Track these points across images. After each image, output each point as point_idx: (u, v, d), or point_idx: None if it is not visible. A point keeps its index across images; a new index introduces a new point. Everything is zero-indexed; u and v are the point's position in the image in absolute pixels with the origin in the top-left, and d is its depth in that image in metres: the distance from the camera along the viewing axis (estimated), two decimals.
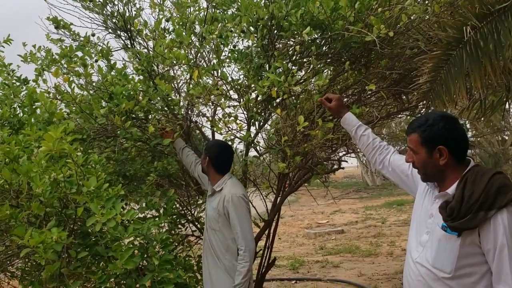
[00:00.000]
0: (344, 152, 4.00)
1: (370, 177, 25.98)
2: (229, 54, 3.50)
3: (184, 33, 3.31)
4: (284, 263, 8.14)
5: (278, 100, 3.34)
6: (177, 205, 3.91)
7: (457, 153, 1.89)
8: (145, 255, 2.76)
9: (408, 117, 4.51)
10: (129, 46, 3.88)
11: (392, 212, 14.57)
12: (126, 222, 2.51)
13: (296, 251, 9.48)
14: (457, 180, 1.86)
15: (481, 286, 1.78)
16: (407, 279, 2.01)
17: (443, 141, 1.88)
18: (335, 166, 4.13)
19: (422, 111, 3.81)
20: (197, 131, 4.13)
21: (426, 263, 1.89)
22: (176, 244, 3.74)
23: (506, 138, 18.85)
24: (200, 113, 3.76)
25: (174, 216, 3.75)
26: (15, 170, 2.34)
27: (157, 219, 2.97)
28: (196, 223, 4.01)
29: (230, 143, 3.33)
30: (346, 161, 4.12)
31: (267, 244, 4.21)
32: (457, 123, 1.92)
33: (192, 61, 3.40)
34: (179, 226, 3.85)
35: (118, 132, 3.24)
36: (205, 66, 3.52)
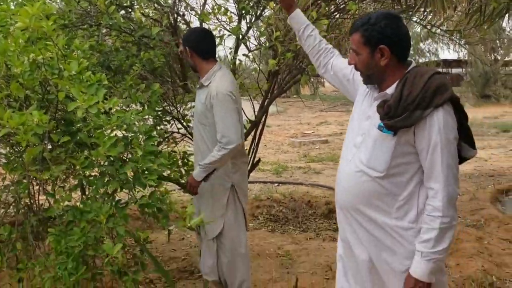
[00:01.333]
0: None
1: None
2: None
3: None
4: (268, 168, 8.33)
5: None
6: (163, 102, 3.84)
7: (398, 53, 1.82)
8: (129, 147, 2.73)
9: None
10: None
11: None
12: (110, 111, 2.45)
13: (280, 157, 9.67)
14: (397, 81, 1.82)
15: (412, 184, 1.80)
16: (340, 180, 2.00)
17: (384, 40, 1.79)
18: None
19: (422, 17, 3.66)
20: (184, 26, 3.95)
21: (359, 163, 1.88)
22: (162, 139, 3.73)
23: (499, 58, 18.70)
24: (188, 6, 3.57)
25: (159, 112, 3.69)
26: None
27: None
28: (182, 121, 3.97)
29: (219, 37, 3.19)
30: None
31: (253, 145, 4.23)
32: (400, 21, 1.82)
33: None
34: (164, 122, 3.82)
35: (102, 19, 3.07)
36: None
